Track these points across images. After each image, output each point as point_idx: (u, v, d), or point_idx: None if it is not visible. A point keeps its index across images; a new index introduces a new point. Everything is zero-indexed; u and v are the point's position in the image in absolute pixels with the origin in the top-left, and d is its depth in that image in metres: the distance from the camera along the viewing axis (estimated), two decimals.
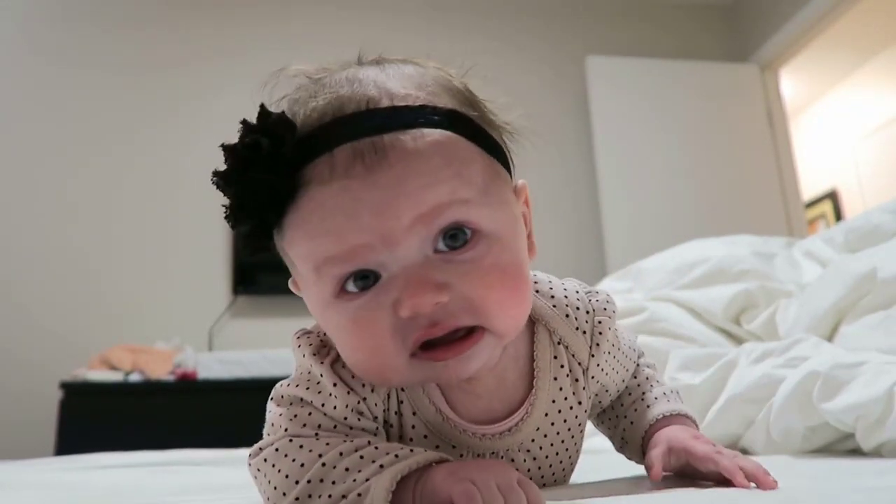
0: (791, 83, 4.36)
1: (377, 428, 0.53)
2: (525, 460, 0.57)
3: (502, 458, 0.56)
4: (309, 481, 0.46)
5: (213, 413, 2.30)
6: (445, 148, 0.47)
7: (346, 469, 0.46)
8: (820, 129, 5.02)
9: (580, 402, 0.59)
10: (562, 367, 0.58)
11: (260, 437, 0.54)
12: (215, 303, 3.03)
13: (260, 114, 0.47)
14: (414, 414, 0.54)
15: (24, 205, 2.97)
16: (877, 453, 0.78)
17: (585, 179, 3.42)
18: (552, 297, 0.59)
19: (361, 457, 0.46)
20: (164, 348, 2.63)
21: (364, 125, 0.46)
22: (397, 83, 0.49)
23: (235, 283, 3.03)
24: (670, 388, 0.67)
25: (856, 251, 1.32)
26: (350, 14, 3.41)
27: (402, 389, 0.53)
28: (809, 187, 4.69)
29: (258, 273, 3.10)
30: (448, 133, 0.47)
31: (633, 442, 0.64)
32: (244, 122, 0.47)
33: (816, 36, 3.44)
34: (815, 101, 5.00)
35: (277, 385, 0.55)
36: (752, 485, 0.50)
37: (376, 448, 0.47)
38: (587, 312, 0.60)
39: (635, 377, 0.67)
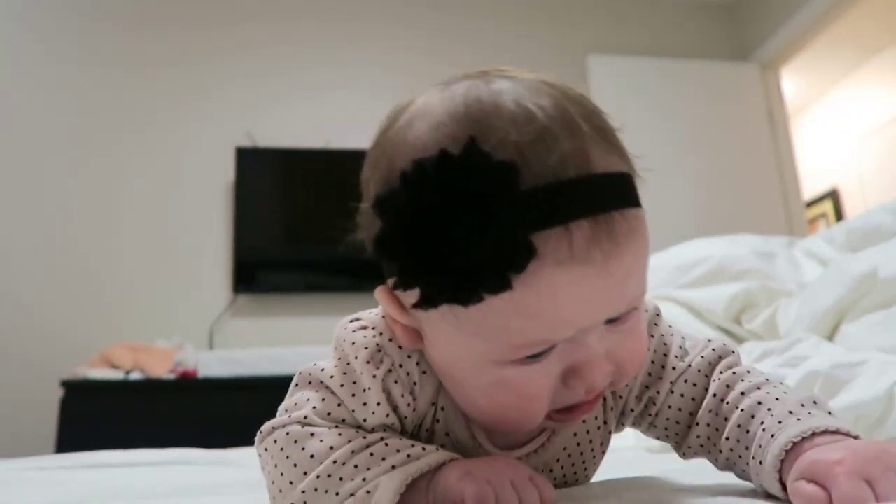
0: (792, 82, 4.36)
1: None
2: (549, 478, 0.55)
3: None
4: (318, 476, 0.45)
5: (213, 412, 2.30)
6: (646, 229, 0.44)
7: (356, 466, 0.45)
8: (821, 129, 5.01)
9: (606, 423, 0.57)
10: None
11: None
12: (216, 301, 3.03)
13: (474, 151, 0.38)
14: (447, 434, 0.52)
15: (24, 203, 2.97)
16: None
17: None
18: None
19: (372, 454, 0.45)
20: (165, 347, 2.63)
21: (598, 195, 0.40)
22: (587, 127, 0.43)
23: (236, 282, 3.03)
24: (788, 395, 0.49)
25: (857, 251, 1.32)
26: (350, 14, 3.41)
27: (442, 409, 0.51)
28: (810, 186, 4.67)
29: (259, 271, 3.10)
30: (641, 209, 0.44)
31: (761, 478, 0.46)
32: (445, 155, 0.38)
33: (817, 35, 3.43)
34: (816, 101, 5.00)
35: (312, 366, 0.51)
36: None
37: (387, 445, 0.46)
38: None
39: (717, 394, 0.53)
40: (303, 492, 0.45)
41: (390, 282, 0.45)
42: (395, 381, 0.49)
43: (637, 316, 0.46)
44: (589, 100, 0.46)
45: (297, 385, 0.52)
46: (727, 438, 0.50)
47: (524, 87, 0.44)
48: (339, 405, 0.49)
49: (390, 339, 0.49)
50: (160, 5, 3.29)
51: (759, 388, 0.51)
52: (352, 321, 0.52)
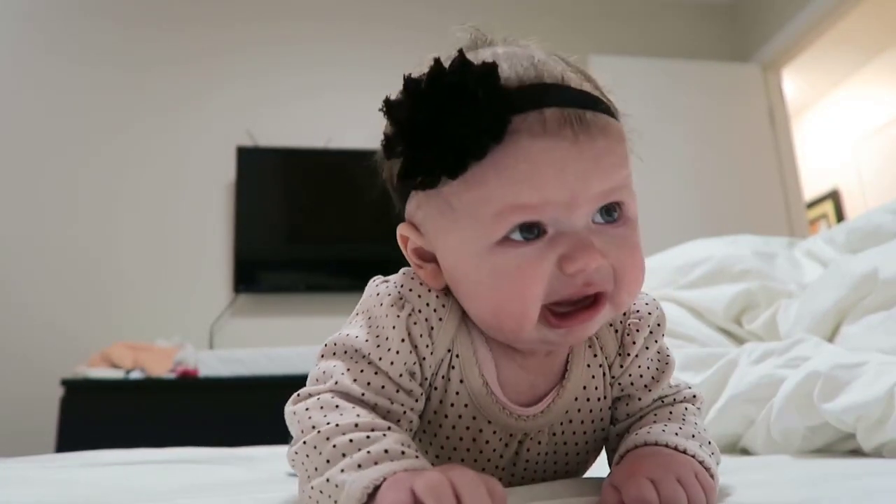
0: (793, 83, 4.36)
1: (421, 393, 0.55)
2: (547, 443, 0.59)
3: (532, 439, 0.58)
4: (335, 446, 0.46)
5: (213, 411, 2.31)
6: (624, 138, 0.53)
7: (343, 455, 0.46)
8: (822, 130, 5.01)
9: (606, 397, 0.61)
10: (595, 356, 0.60)
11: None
12: (216, 301, 3.03)
13: (461, 60, 0.48)
14: (461, 381, 0.56)
15: (24, 202, 2.97)
16: (877, 454, 0.78)
17: None
18: None
19: (359, 448, 0.45)
20: (165, 346, 2.63)
21: (569, 96, 0.50)
22: (566, 67, 0.53)
23: (236, 282, 3.03)
24: (689, 427, 0.57)
25: (857, 251, 1.32)
26: (351, 13, 3.41)
27: (457, 356, 0.56)
28: (811, 187, 4.67)
29: (259, 271, 3.11)
30: (622, 126, 0.53)
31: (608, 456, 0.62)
32: (438, 62, 0.48)
33: (819, 36, 3.43)
34: (818, 101, 5.00)
35: (336, 335, 0.55)
36: None
37: (375, 442, 0.46)
38: (624, 314, 0.61)
39: (658, 410, 0.61)
40: (307, 455, 0.47)
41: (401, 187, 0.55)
42: (415, 323, 0.54)
43: (630, 225, 0.53)
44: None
45: (323, 357, 0.55)
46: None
47: (552, 60, 0.53)
48: (362, 371, 0.52)
49: (410, 290, 0.55)
50: (160, 5, 3.29)
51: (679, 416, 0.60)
52: (376, 280, 0.58)
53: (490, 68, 0.48)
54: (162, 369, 2.44)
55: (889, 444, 0.76)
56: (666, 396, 0.62)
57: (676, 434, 0.55)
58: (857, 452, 0.83)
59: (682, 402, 0.62)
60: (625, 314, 0.61)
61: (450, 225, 0.52)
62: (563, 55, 0.56)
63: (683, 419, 0.58)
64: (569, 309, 0.51)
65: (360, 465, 0.44)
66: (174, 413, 2.31)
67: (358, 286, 0.58)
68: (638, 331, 0.61)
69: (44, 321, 2.82)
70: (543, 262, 0.49)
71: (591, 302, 0.51)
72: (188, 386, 2.41)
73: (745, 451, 1.02)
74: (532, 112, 0.48)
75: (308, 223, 3.15)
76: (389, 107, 0.49)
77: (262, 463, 1.00)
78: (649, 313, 0.61)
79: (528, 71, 0.50)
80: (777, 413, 0.89)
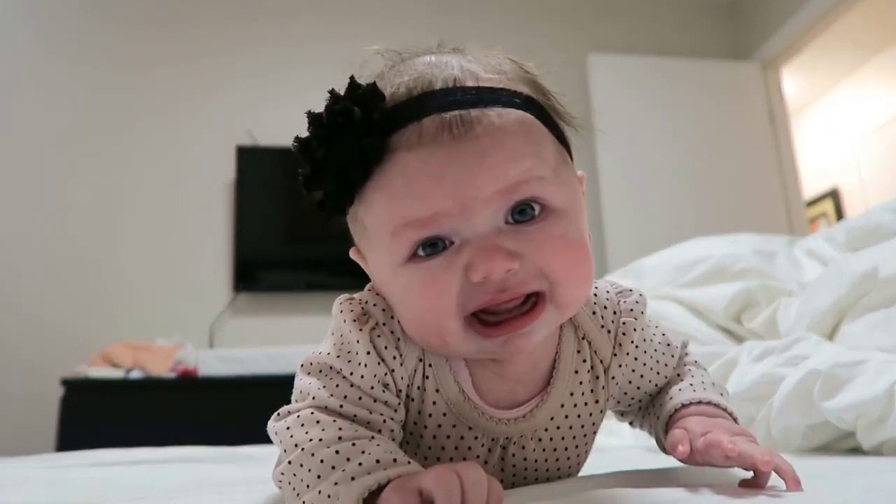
0: (793, 81, 4.35)
1: (399, 403, 0.54)
2: (535, 449, 0.58)
3: (515, 444, 0.57)
4: (322, 460, 0.46)
5: (213, 410, 2.31)
6: (526, 127, 0.50)
7: (333, 468, 0.46)
8: (821, 128, 5.00)
9: (597, 401, 0.60)
10: (584, 361, 0.59)
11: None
12: (216, 300, 3.03)
13: (350, 85, 0.49)
14: (437, 391, 0.55)
15: (25, 202, 2.97)
16: (877, 452, 0.78)
17: (587, 177, 3.41)
18: None
19: (348, 459, 0.45)
20: (165, 345, 2.63)
21: (452, 99, 0.49)
22: (479, 67, 0.52)
23: (236, 281, 3.03)
24: (705, 379, 0.63)
25: (857, 250, 1.31)
26: (350, 12, 3.41)
27: (430, 365, 0.55)
28: (811, 186, 4.65)
29: (259, 270, 3.11)
30: (527, 115, 0.50)
31: (658, 437, 0.63)
32: (332, 93, 0.49)
33: (819, 34, 3.43)
34: (817, 100, 4.99)
35: (310, 353, 0.55)
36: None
37: (363, 452, 0.46)
38: (614, 313, 0.61)
39: (674, 375, 0.65)
40: (294, 474, 0.47)
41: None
42: (379, 336, 0.53)
43: (555, 218, 0.50)
44: (537, 82, 0.55)
45: (299, 376, 0.55)
46: (651, 404, 0.65)
47: (474, 58, 0.53)
48: (337, 385, 0.52)
49: (374, 305, 0.55)
50: (160, 5, 3.29)
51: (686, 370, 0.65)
52: (341, 298, 0.58)
53: (370, 89, 0.49)
54: (162, 369, 2.44)
55: (889, 443, 0.76)
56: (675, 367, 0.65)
57: (705, 389, 0.61)
58: (856, 451, 0.83)
59: (683, 358, 0.66)
60: (615, 313, 0.61)
61: (367, 245, 0.54)
62: (514, 58, 0.55)
63: (691, 372, 0.64)
64: (503, 317, 0.50)
65: (353, 479, 0.44)
66: (174, 412, 2.31)
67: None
68: (634, 330, 0.61)
69: (44, 321, 2.82)
70: (448, 272, 0.48)
71: (530, 306, 0.50)
72: (188, 385, 2.41)
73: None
74: (410, 125, 0.48)
75: (308, 222, 3.15)
76: (297, 142, 0.50)
77: (262, 462, 1.00)
78: (642, 312, 0.62)
79: (418, 82, 0.50)
80: (777, 411, 0.89)
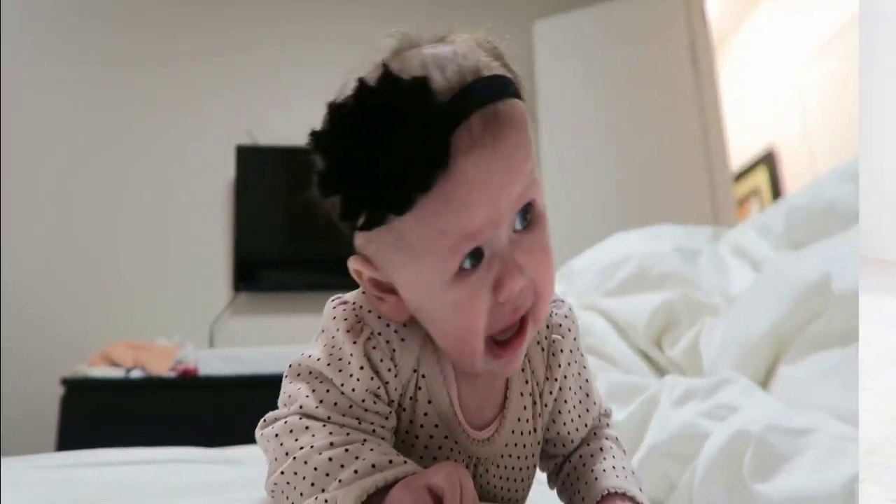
0: (716, 5, 3.45)
1: (390, 412, 0.52)
2: (494, 475, 0.56)
3: (482, 466, 0.55)
4: (315, 468, 0.46)
5: (213, 410, 2.31)
6: (526, 120, 0.47)
7: (327, 475, 0.45)
8: (750, 64, 3.78)
9: (535, 430, 0.57)
10: (526, 382, 0.57)
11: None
12: (216, 299, 3.03)
13: (385, 75, 0.42)
14: (429, 402, 0.53)
15: (25, 202, 2.97)
16: None
17: None
18: None
19: (342, 465, 0.45)
20: (166, 345, 2.63)
21: (486, 92, 0.45)
22: (482, 53, 0.48)
23: (236, 280, 3.04)
24: (626, 465, 0.59)
25: (800, 245, 1.01)
26: (351, 13, 3.41)
27: (423, 376, 0.52)
28: (740, 152, 3.46)
29: (259, 270, 3.11)
30: (523, 103, 0.48)
31: None
32: (361, 82, 0.42)
33: None
34: (743, 23, 3.83)
35: (299, 356, 0.53)
36: None
37: (358, 457, 0.46)
38: (547, 326, 0.57)
39: (593, 442, 0.60)
40: (313, 485, 0.46)
41: (347, 227, 0.49)
42: (374, 348, 0.50)
43: (541, 224, 0.48)
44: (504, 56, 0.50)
45: (288, 379, 0.53)
46: (577, 478, 0.58)
47: (464, 45, 0.49)
48: (327, 391, 0.50)
49: (369, 311, 0.52)
50: (160, 5, 3.29)
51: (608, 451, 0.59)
52: (334, 300, 0.55)
53: (421, 82, 0.42)
54: (162, 368, 2.44)
55: None
56: (595, 428, 0.61)
57: (627, 478, 0.56)
58: None
59: (604, 429, 0.62)
60: (548, 327, 0.57)
61: (407, 260, 0.47)
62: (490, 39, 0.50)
63: (613, 451, 0.59)
64: (506, 336, 0.49)
65: (349, 485, 0.44)
66: (174, 412, 2.31)
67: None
68: (562, 351, 0.57)
69: (44, 321, 2.82)
70: (481, 292, 0.46)
71: (520, 324, 0.48)
72: (188, 385, 2.41)
73: None
74: (462, 123, 0.43)
75: (308, 222, 3.15)
76: (318, 139, 0.43)
77: (262, 462, 1.00)
78: (569, 329, 0.58)
79: (454, 75, 0.44)
80: (700, 481, 0.73)
